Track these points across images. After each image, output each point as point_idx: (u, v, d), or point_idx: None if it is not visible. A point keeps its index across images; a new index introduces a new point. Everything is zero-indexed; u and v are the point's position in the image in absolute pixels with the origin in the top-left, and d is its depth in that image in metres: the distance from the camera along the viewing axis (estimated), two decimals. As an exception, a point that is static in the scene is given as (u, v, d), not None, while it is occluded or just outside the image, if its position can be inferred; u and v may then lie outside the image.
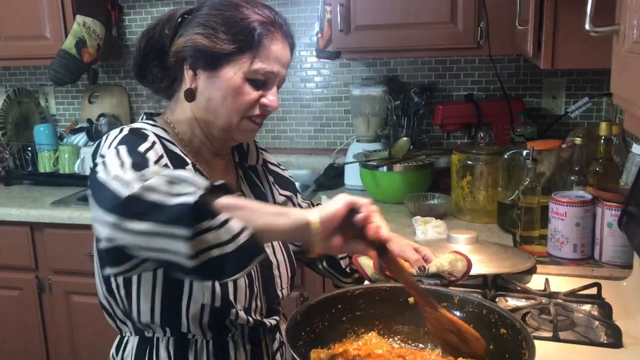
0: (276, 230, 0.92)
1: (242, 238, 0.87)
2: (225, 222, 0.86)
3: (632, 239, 1.54)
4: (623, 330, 1.32)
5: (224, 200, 0.90)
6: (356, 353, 1.10)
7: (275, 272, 1.28)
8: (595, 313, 1.48)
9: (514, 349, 1.05)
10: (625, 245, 1.68)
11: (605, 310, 1.45)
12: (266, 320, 1.26)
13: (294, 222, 0.92)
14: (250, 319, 1.20)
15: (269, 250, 1.27)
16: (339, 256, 1.44)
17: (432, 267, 1.25)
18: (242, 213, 0.90)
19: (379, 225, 0.96)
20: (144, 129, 1.18)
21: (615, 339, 1.33)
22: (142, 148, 1.09)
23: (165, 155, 1.15)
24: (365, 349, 1.12)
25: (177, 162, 1.16)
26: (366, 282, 1.33)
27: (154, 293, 1.14)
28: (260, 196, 1.34)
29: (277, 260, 1.29)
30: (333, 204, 0.93)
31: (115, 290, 1.16)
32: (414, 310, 1.20)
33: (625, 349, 1.30)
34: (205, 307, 1.14)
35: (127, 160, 1.00)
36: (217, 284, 1.13)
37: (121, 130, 1.15)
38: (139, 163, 1.01)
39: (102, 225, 0.90)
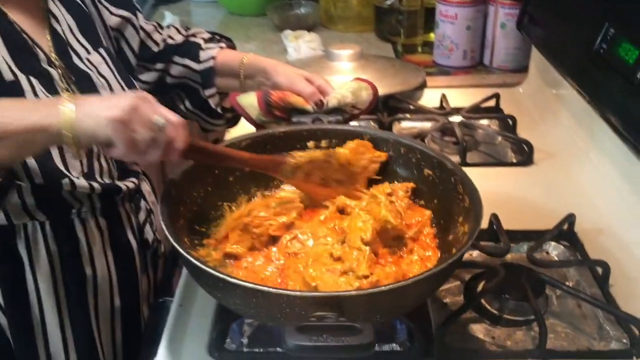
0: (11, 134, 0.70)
1: None
2: None
3: (535, 41, 1.38)
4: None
5: None
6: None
7: None
8: (497, 128, 1.36)
9: (446, 194, 0.86)
10: (517, 47, 1.53)
11: (509, 123, 1.32)
12: (120, 184, 0.96)
13: (35, 125, 0.70)
14: (95, 184, 0.89)
15: (103, 92, 0.93)
16: (207, 93, 1.13)
17: (332, 101, 1.00)
18: None
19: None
20: None
21: (524, 156, 1.22)
22: None
23: None
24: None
25: None
26: (243, 120, 1.06)
27: None
28: (83, 17, 0.96)
29: None
30: (108, 110, 0.70)
31: None
32: (316, 157, 0.97)
33: (536, 165, 1.20)
34: (24, 190, 0.83)
35: None
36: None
37: None
38: None
39: None
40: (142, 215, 1.03)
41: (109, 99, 0.78)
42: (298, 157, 0.89)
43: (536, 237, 0.98)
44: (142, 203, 1.04)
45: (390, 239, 0.82)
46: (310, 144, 0.96)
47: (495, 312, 0.85)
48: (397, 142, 0.94)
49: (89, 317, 0.95)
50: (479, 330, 0.84)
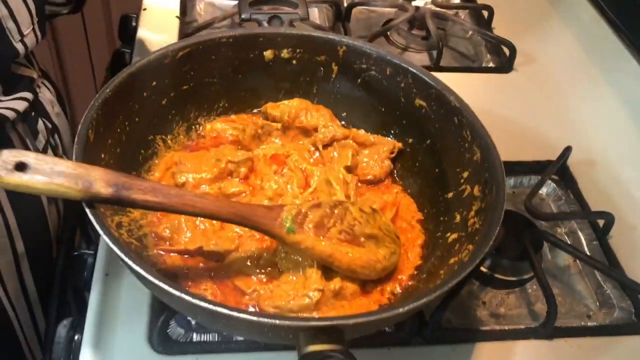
0: None
1: None
2: None
3: None
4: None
5: None
6: None
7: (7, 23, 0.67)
8: (466, 19, 1.16)
9: (444, 137, 0.69)
10: None
11: (483, 15, 1.13)
12: (4, 110, 0.70)
13: None
14: None
15: None
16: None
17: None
18: None
19: None
20: None
21: (503, 60, 1.05)
22: None
23: None
24: None
25: None
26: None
27: None
28: None
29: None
30: None
31: None
32: (277, 69, 0.75)
33: (516, 71, 1.03)
34: None
35: None
36: None
37: None
38: None
39: None
40: (41, 141, 0.79)
41: None
42: (298, 203, 0.63)
43: (521, 171, 0.85)
44: (40, 123, 0.79)
45: None
46: (268, 53, 0.74)
47: (486, 271, 0.73)
48: (382, 58, 0.73)
49: None
50: (466, 293, 0.72)
